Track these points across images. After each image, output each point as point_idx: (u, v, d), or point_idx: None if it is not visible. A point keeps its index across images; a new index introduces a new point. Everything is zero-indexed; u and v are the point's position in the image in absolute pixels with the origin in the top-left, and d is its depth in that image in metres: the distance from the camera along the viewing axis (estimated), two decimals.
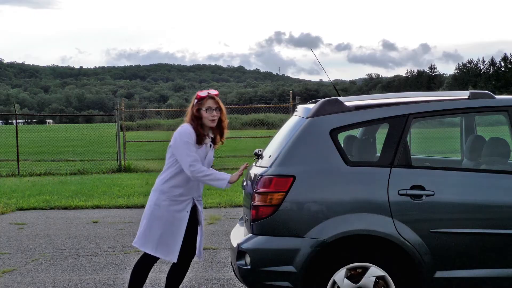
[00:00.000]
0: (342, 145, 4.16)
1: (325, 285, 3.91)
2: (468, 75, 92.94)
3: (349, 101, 4.27)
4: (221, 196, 10.99)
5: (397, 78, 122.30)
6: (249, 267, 4.00)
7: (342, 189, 3.96)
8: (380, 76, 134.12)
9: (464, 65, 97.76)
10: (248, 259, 4.01)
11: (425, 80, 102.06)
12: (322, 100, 4.25)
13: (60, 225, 8.81)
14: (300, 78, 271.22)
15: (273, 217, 3.95)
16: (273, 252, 3.95)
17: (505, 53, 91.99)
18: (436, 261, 3.88)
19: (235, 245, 4.20)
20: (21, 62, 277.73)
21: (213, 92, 4.46)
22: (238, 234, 4.47)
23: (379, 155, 4.13)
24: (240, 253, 4.09)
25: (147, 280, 4.66)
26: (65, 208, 10.39)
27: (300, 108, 4.61)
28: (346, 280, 3.88)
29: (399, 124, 4.07)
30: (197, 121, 4.36)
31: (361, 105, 4.22)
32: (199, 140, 4.37)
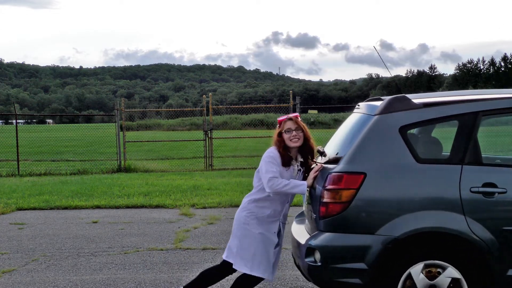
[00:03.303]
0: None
1: (396, 283, 3.90)
2: (468, 75, 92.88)
3: (417, 98, 4.27)
4: (221, 196, 10.99)
5: (397, 78, 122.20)
6: (319, 264, 3.99)
7: (413, 187, 3.93)
8: (380, 76, 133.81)
9: (464, 65, 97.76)
10: (318, 256, 4.00)
11: (425, 80, 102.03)
12: (390, 97, 4.24)
13: (60, 225, 8.80)
14: (300, 78, 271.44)
15: (344, 214, 3.94)
16: (344, 249, 3.95)
17: (505, 53, 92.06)
18: (509, 259, 3.87)
19: (303, 242, 4.19)
20: (21, 62, 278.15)
21: (292, 114, 4.59)
22: (301, 232, 4.46)
23: (445, 152, 4.11)
24: (309, 250, 4.07)
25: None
26: (65, 208, 10.37)
27: (363, 105, 4.60)
28: (421, 275, 3.87)
29: (469, 121, 4.06)
30: (280, 144, 4.47)
31: (430, 102, 4.20)
32: (284, 162, 4.45)
